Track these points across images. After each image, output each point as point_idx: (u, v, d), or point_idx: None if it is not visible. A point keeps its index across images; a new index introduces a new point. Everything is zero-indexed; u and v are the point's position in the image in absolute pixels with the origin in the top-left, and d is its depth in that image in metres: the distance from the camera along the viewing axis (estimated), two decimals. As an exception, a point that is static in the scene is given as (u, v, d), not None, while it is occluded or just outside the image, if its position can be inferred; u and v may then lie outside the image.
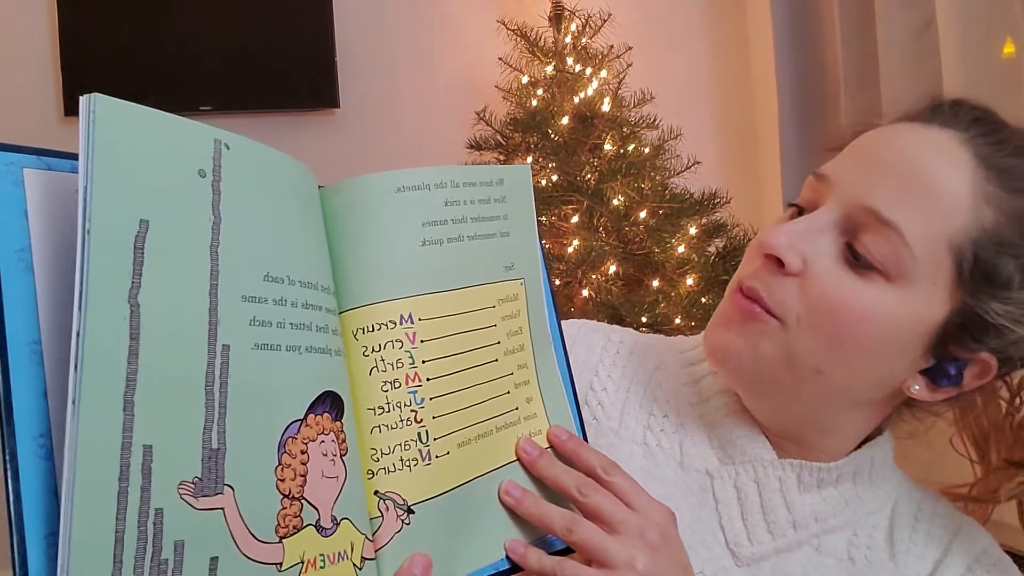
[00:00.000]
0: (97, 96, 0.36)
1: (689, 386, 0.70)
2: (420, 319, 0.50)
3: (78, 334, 0.34)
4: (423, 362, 0.49)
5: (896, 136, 0.59)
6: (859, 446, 0.65)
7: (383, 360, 0.48)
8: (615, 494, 0.52)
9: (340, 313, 0.49)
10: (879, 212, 0.55)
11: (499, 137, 2.40)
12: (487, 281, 0.54)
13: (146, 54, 2.49)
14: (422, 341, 0.49)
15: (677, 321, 2.13)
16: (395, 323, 0.49)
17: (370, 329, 0.48)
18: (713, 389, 0.68)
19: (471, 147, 2.40)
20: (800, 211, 0.62)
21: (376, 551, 0.46)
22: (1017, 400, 0.63)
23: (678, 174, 2.34)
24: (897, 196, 0.55)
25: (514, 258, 0.56)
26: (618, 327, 0.77)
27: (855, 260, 0.56)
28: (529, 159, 2.32)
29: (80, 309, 0.34)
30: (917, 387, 0.59)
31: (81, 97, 0.35)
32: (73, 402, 0.33)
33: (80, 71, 2.44)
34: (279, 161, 0.45)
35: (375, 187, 0.50)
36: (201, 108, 2.53)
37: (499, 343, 0.54)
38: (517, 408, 0.55)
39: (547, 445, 0.56)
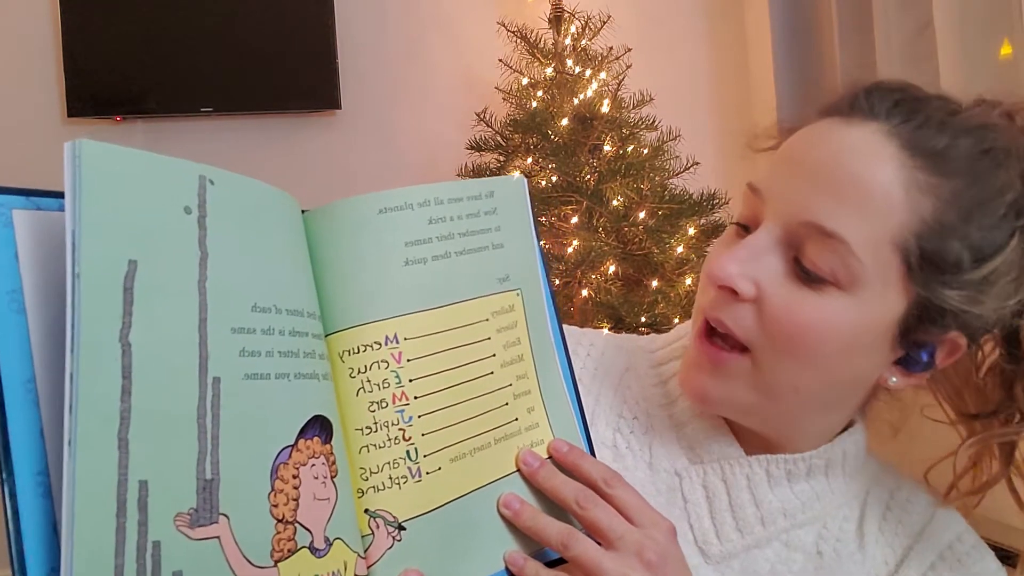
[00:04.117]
0: (83, 141, 0.37)
1: (658, 387, 0.71)
2: (406, 338, 0.50)
3: (71, 376, 0.34)
4: (410, 381, 0.50)
5: (819, 139, 0.58)
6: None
7: (369, 381, 0.49)
8: (616, 507, 0.52)
9: (326, 336, 0.49)
10: (821, 225, 0.55)
11: (499, 138, 2.41)
12: (478, 295, 0.54)
13: (148, 56, 2.50)
14: (408, 360, 0.50)
15: (676, 321, 2.14)
16: (380, 344, 0.49)
17: (355, 351, 0.49)
18: (680, 390, 0.68)
19: (471, 148, 2.41)
20: (744, 228, 0.61)
21: (368, 568, 0.47)
22: (979, 353, 0.63)
23: (677, 175, 2.35)
24: (834, 206, 0.55)
25: (509, 269, 0.56)
26: (589, 330, 0.77)
27: (805, 275, 0.56)
28: (529, 160, 2.33)
29: (72, 352, 0.34)
30: (894, 379, 0.60)
31: (65, 144, 0.36)
32: (69, 443, 0.34)
33: (83, 74, 2.45)
34: (262, 192, 0.46)
35: (357, 210, 0.50)
36: (203, 110, 2.54)
37: (494, 355, 0.54)
38: (517, 419, 0.55)
39: (549, 456, 0.56)
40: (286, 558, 0.42)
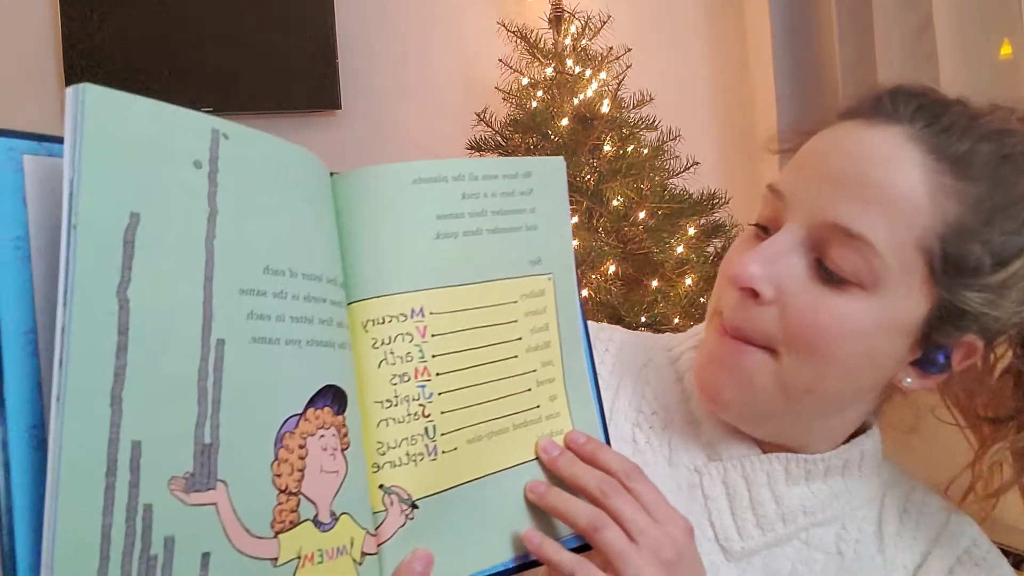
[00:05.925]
0: (86, 85, 0.34)
1: (675, 383, 0.70)
2: (432, 312, 0.49)
3: (63, 329, 0.33)
4: (433, 356, 0.49)
5: (843, 142, 0.58)
6: (848, 439, 0.66)
7: (392, 353, 0.47)
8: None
9: (349, 304, 0.47)
10: (847, 227, 0.55)
11: (499, 138, 2.41)
12: (509, 276, 0.53)
13: (148, 55, 2.49)
14: (432, 335, 0.49)
15: (676, 321, 2.14)
16: (406, 316, 0.48)
17: (380, 321, 0.47)
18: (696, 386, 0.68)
19: (471, 148, 2.41)
20: (764, 229, 0.61)
21: (379, 545, 0.46)
22: (991, 356, 0.62)
23: (677, 175, 2.35)
24: (859, 208, 0.55)
25: (542, 252, 0.55)
26: (607, 325, 0.77)
27: (828, 276, 0.56)
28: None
29: (65, 304, 0.33)
30: (909, 379, 0.60)
31: (68, 88, 0.34)
32: (58, 398, 0.32)
33: (83, 73, 2.44)
34: (283, 150, 0.44)
35: (391, 177, 0.49)
36: (202, 109, 2.52)
37: (520, 339, 0.53)
38: (539, 406, 0.53)
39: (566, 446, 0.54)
40: (287, 530, 0.41)
